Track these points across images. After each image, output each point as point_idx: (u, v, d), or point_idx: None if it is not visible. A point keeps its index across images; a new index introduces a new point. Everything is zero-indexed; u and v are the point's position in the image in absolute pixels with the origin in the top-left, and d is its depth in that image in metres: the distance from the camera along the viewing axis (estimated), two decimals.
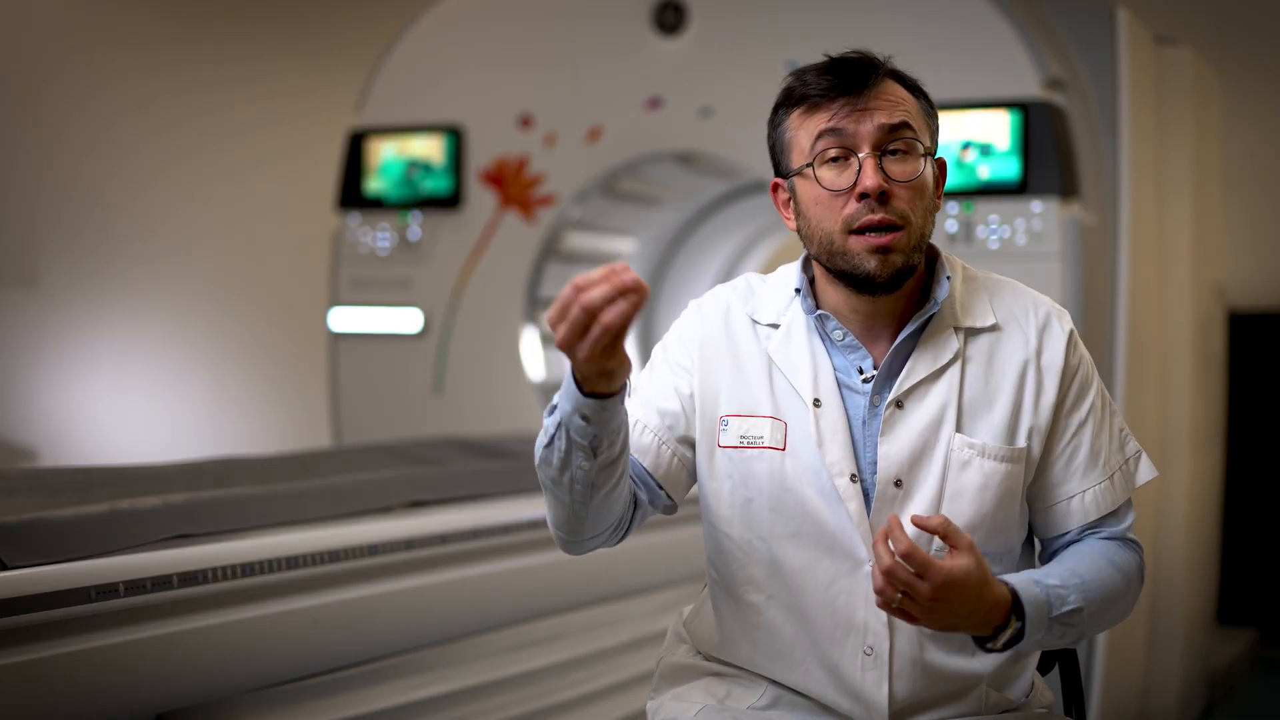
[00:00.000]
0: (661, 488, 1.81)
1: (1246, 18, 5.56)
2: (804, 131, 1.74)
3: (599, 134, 4.23)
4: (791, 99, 1.76)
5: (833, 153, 1.71)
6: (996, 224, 3.67)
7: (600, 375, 1.54)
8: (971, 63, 3.70)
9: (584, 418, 1.58)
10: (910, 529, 1.66)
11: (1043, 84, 3.63)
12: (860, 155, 1.70)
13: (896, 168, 1.71)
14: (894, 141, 1.71)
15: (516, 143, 4.33)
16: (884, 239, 1.69)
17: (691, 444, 1.82)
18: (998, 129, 3.66)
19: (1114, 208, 3.77)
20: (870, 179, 1.69)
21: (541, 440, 1.66)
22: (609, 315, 1.46)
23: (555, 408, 1.62)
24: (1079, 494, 1.77)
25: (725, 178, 4.54)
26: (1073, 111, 3.68)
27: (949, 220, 3.70)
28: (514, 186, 4.34)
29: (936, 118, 1.79)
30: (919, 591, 1.56)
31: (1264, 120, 5.47)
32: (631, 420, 1.79)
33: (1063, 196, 3.61)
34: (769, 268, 1.95)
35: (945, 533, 1.59)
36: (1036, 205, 3.62)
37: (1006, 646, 1.65)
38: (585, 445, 1.60)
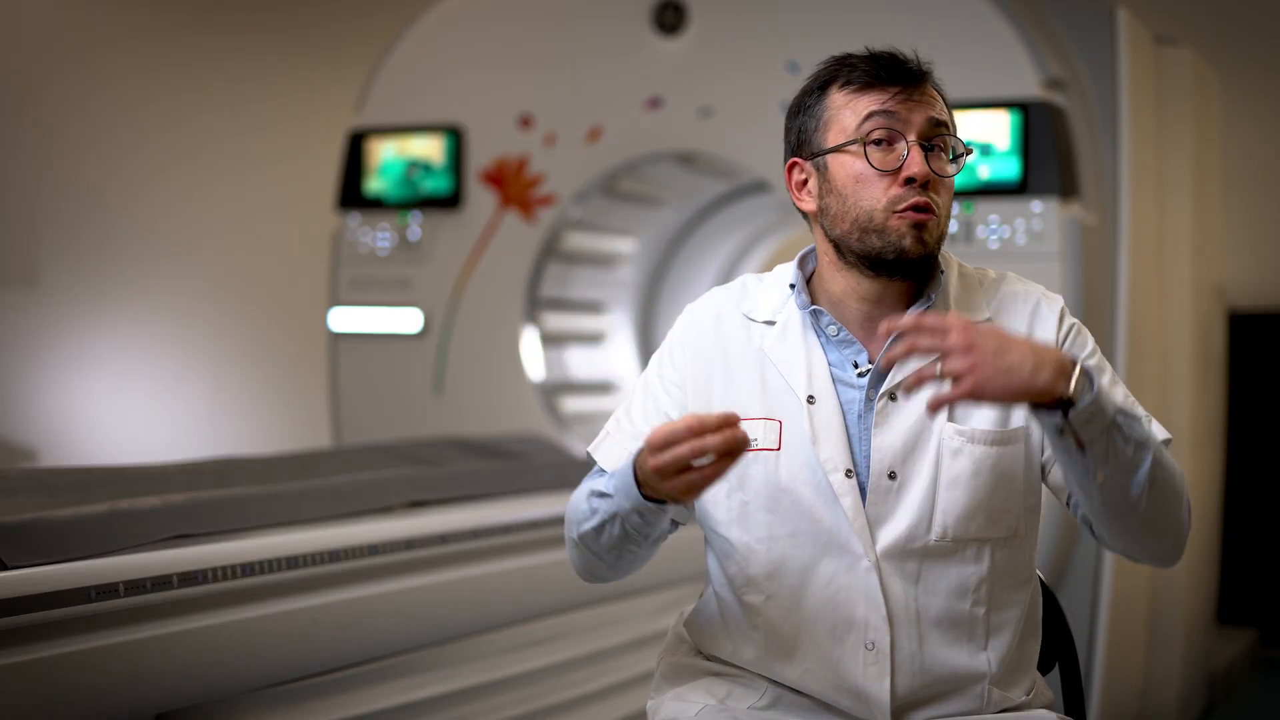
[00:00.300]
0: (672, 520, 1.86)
1: (1246, 18, 5.56)
2: (850, 110, 1.76)
3: (599, 134, 4.23)
4: (838, 78, 1.78)
5: (879, 134, 1.74)
6: (996, 224, 3.67)
7: (670, 495, 1.64)
8: (971, 63, 3.70)
9: (641, 515, 1.70)
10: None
11: (1043, 84, 3.63)
12: (909, 140, 1.73)
13: (937, 163, 1.75)
14: (936, 138, 1.75)
15: (516, 143, 4.33)
16: (922, 215, 1.72)
17: None
18: (998, 129, 3.66)
19: (1114, 208, 3.77)
20: (920, 165, 1.72)
21: (588, 520, 1.75)
22: (714, 467, 1.58)
23: (606, 495, 1.72)
24: None
25: (725, 178, 4.54)
26: (1073, 111, 3.68)
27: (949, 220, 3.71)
28: (514, 186, 4.34)
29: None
30: (952, 343, 1.54)
31: (1264, 120, 5.47)
32: (629, 455, 1.82)
33: (1063, 196, 3.61)
34: (768, 268, 1.95)
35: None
36: (1036, 205, 3.62)
37: (1082, 393, 1.55)
38: (638, 535, 1.72)
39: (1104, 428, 1.57)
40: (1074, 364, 1.57)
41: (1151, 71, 3.96)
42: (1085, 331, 1.83)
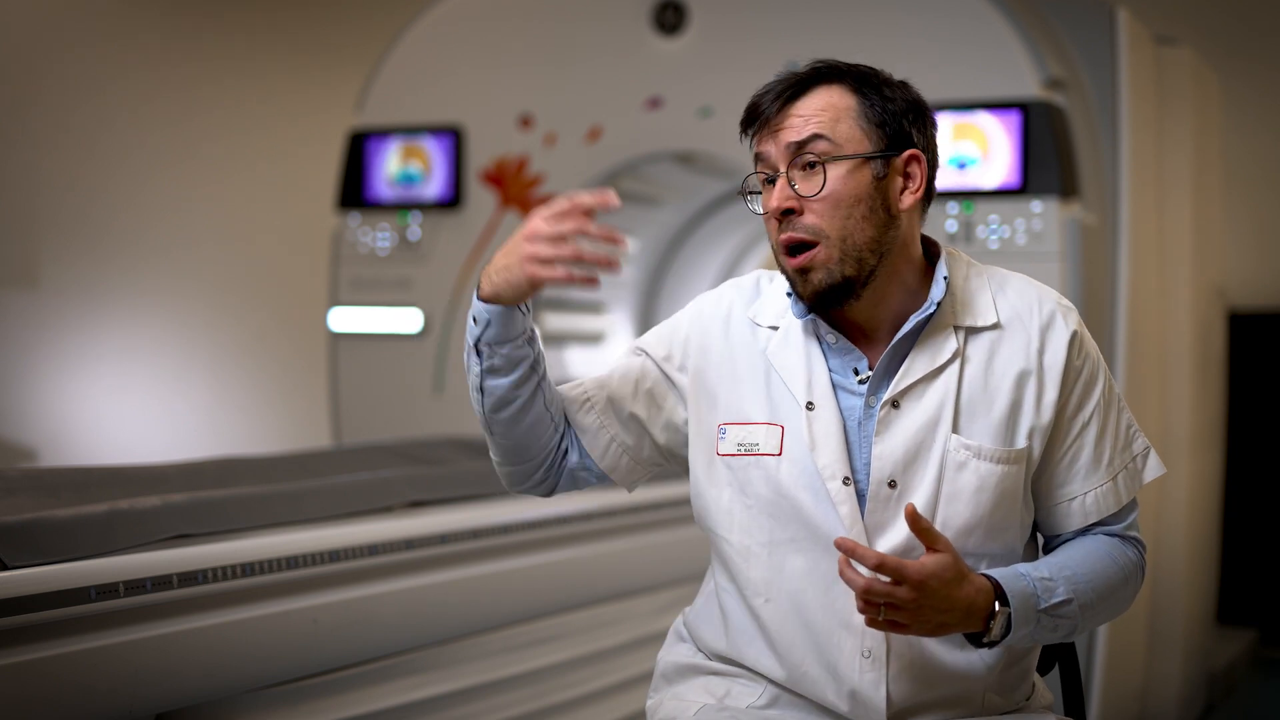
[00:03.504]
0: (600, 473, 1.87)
1: (1246, 18, 5.56)
2: (752, 158, 1.79)
3: (599, 134, 4.23)
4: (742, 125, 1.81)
5: (765, 175, 1.75)
6: (996, 224, 3.67)
7: (514, 293, 1.71)
8: (971, 63, 3.70)
9: (491, 325, 1.74)
10: (892, 548, 1.69)
11: (1043, 84, 3.63)
12: (780, 174, 1.73)
13: (802, 184, 1.71)
14: (802, 157, 1.71)
15: (516, 143, 4.33)
16: (798, 259, 1.71)
17: (640, 425, 1.86)
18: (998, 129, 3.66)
19: (1114, 208, 3.77)
20: (772, 199, 1.72)
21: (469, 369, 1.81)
22: (579, 266, 1.68)
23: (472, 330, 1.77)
24: (1080, 496, 1.76)
25: (725, 178, 4.54)
26: (1073, 111, 3.68)
27: (949, 220, 3.70)
28: (514, 186, 4.34)
29: (902, 114, 1.74)
30: (900, 598, 1.58)
31: (1264, 120, 5.48)
32: (582, 395, 1.88)
33: (1063, 196, 3.61)
34: (768, 267, 1.95)
35: (924, 529, 1.61)
36: (1036, 205, 3.62)
37: (1001, 638, 1.64)
38: (499, 346, 1.76)
39: (1024, 636, 1.67)
40: (995, 597, 1.63)
41: (1151, 71, 3.96)
42: (1099, 368, 1.77)
